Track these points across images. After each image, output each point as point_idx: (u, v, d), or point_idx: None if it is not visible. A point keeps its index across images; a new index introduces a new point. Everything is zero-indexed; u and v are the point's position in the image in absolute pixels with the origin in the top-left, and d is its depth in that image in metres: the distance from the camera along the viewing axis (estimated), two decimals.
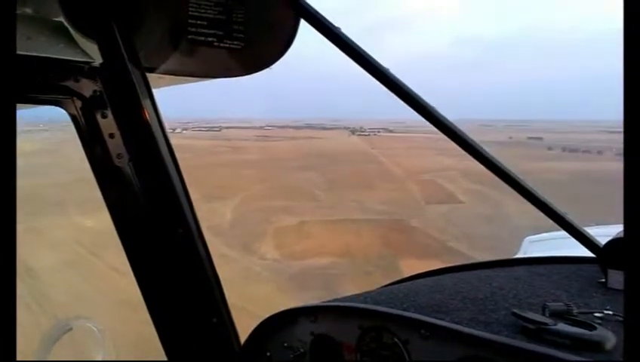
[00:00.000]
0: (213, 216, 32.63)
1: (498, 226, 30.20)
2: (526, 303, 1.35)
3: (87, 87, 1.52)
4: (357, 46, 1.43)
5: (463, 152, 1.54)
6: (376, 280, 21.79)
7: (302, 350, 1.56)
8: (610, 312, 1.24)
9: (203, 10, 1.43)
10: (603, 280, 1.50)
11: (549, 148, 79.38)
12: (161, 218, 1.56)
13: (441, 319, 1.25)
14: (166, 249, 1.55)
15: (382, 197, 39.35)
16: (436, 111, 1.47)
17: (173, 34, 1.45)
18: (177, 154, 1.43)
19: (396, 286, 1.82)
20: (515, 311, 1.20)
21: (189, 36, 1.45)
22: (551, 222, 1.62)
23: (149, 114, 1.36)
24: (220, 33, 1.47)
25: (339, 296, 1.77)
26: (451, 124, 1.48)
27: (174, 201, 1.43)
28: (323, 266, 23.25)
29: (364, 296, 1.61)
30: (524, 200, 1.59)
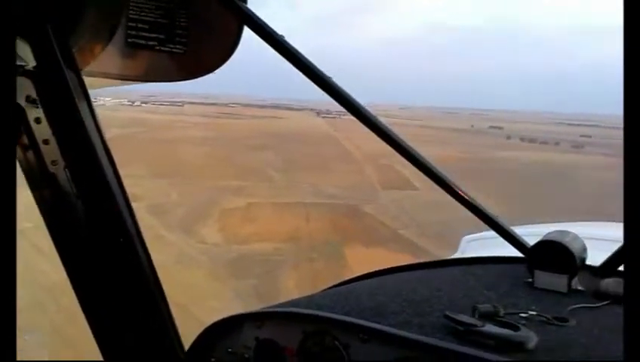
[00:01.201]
0: (157, 194, 30.94)
1: (450, 215, 30.13)
2: (458, 304, 1.39)
3: (20, 92, 1.45)
4: (301, 55, 1.47)
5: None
6: (319, 269, 21.08)
7: (246, 355, 1.56)
8: (534, 313, 1.30)
9: (144, 14, 1.42)
10: (530, 280, 1.54)
11: (508, 138, 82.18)
12: (99, 226, 1.50)
13: (379, 322, 1.30)
14: (106, 258, 1.50)
15: (338, 180, 38.60)
16: (381, 122, 1.57)
17: (112, 37, 1.42)
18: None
19: (341, 287, 1.86)
20: (448, 313, 1.23)
21: (129, 39, 1.44)
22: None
23: (85, 118, 1.34)
24: (162, 37, 1.46)
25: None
26: (391, 130, 1.57)
27: (113, 208, 1.42)
28: (265, 252, 22.14)
29: (309, 300, 1.66)
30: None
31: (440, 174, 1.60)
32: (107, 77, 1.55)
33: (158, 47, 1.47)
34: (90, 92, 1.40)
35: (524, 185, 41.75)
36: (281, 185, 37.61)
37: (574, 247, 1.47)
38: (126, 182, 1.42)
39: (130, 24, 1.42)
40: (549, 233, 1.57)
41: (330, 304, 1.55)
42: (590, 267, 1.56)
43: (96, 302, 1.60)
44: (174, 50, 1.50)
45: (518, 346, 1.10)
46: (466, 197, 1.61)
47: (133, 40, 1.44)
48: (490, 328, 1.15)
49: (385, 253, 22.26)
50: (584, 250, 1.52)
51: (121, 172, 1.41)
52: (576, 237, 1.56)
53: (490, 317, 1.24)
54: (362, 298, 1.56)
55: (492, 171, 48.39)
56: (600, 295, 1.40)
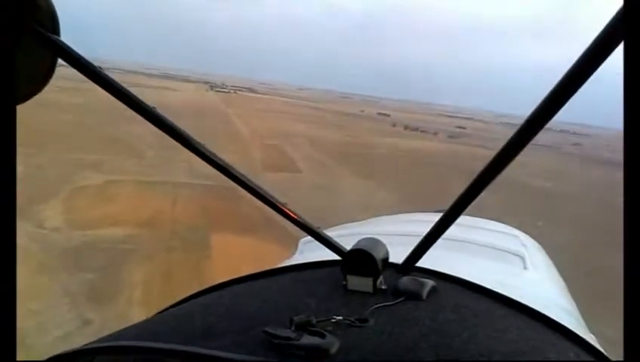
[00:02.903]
0: None
1: (331, 200, 29.67)
2: (282, 316, 1.47)
3: None
4: (120, 85, 1.48)
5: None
6: (176, 261, 18.52)
7: None
8: (341, 317, 1.42)
9: None
10: (345, 283, 1.68)
11: (393, 125, 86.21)
12: None
13: (208, 345, 1.36)
14: None
15: None
16: (203, 146, 1.55)
17: None
18: None
19: (176, 309, 1.85)
20: (267, 329, 1.32)
21: None
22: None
23: None
24: None
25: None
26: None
27: None
28: (115, 239, 19.30)
29: (144, 325, 1.69)
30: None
31: (247, 180, 1.65)
32: None
33: None
34: None
35: (396, 169, 43.49)
36: (152, 162, 34.14)
37: (378, 253, 1.59)
38: None
39: None
40: (358, 241, 1.70)
41: (163, 329, 1.60)
42: (395, 266, 1.72)
43: None
44: None
45: (324, 353, 1.22)
46: (279, 205, 1.70)
47: None
48: (302, 339, 1.25)
49: (254, 243, 20.75)
50: (386, 253, 1.65)
51: None
52: (381, 243, 1.67)
53: (304, 327, 1.34)
54: (195, 319, 1.61)
55: (373, 156, 50.31)
56: (397, 292, 1.53)
